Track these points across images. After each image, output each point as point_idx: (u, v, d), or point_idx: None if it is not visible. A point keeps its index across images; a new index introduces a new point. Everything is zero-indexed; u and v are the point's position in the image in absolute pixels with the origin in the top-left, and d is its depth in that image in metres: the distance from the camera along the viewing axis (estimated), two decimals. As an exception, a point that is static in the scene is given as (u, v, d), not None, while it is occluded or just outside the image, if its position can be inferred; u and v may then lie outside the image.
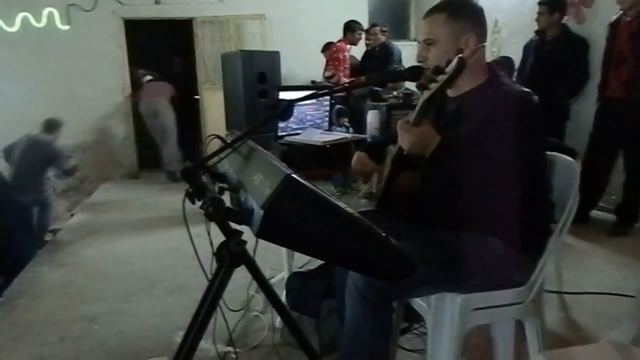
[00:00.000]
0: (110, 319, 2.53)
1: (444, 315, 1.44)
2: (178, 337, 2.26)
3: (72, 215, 5.10)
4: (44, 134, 4.88)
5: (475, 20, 1.50)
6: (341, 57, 5.39)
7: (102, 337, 2.35)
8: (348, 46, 5.49)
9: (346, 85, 4.40)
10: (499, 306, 1.49)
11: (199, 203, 1.47)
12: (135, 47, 6.44)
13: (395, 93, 3.62)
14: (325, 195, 1.07)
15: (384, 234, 1.12)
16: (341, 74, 5.34)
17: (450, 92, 1.56)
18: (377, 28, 5.54)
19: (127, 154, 6.49)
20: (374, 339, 1.48)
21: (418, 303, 1.54)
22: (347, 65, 5.46)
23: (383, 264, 1.12)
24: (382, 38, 5.51)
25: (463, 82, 1.49)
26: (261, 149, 1.50)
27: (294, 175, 1.03)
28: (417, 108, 1.44)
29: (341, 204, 1.09)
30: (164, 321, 2.48)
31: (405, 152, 1.46)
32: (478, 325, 1.57)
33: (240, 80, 4.31)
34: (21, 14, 5.93)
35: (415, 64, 1.53)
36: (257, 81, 4.31)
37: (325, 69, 5.53)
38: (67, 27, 6.12)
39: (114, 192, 5.72)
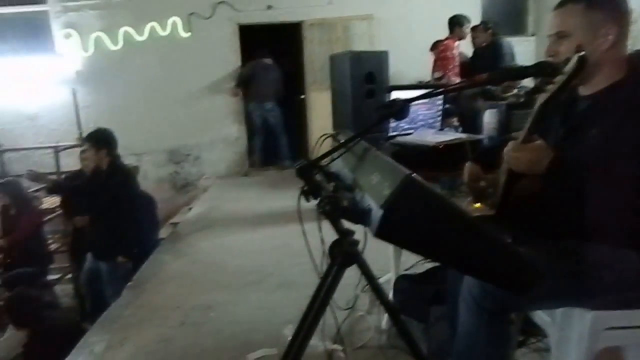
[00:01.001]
0: (225, 308, 2.68)
1: (571, 332, 1.33)
2: (287, 331, 2.33)
3: (190, 209, 5.48)
4: None
5: (617, 9, 1.36)
6: (449, 56, 5.21)
7: (218, 325, 2.50)
8: (456, 43, 5.29)
9: (464, 83, 4.25)
10: (636, 327, 1.34)
11: (306, 201, 1.51)
12: (245, 51, 6.76)
13: (515, 91, 3.40)
14: (447, 198, 1.04)
15: (508, 241, 1.06)
16: (450, 73, 5.16)
17: (583, 90, 1.44)
18: (481, 27, 5.30)
19: (239, 152, 6.85)
20: (490, 351, 1.41)
21: (540, 316, 1.44)
22: (456, 63, 5.26)
23: (508, 272, 1.06)
24: (488, 36, 5.24)
25: (598, 79, 1.37)
26: (375, 149, 1.49)
27: (414, 176, 1.01)
28: (531, 117, 1.33)
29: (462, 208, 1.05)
30: (274, 314, 2.57)
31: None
32: (609, 346, 1.43)
33: (348, 81, 4.34)
34: (149, 24, 6.51)
35: (538, 60, 1.42)
36: (365, 81, 4.31)
37: (434, 70, 5.38)
38: (188, 35, 6.60)
39: (226, 188, 6.06)
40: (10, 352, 3.18)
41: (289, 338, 2.29)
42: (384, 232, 1.01)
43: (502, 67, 4.54)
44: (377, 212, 1.03)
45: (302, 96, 6.94)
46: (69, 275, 5.44)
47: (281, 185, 5.76)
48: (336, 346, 2.10)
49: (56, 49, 6.42)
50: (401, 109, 1.44)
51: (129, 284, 3.17)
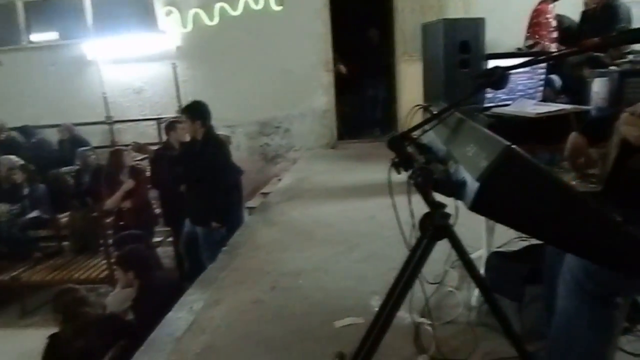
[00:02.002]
0: (314, 276, 2.76)
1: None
2: (374, 301, 2.36)
3: (279, 180, 5.65)
4: None
5: None
6: (542, 21, 4.80)
7: (306, 292, 2.58)
8: (551, 6, 4.86)
9: (571, 50, 3.92)
10: None
11: (397, 173, 1.49)
12: (334, 22, 6.71)
13: (631, 57, 3.07)
14: (550, 170, 0.97)
15: (619, 220, 0.98)
16: (545, 40, 4.77)
17: None
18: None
19: (327, 125, 6.91)
20: (591, 336, 1.33)
21: (652, 302, 1.32)
22: (552, 28, 4.84)
23: (618, 253, 0.98)
24: (601, -2, 4.74)
25: None
26: (470, 120, 1.43)
27: (514, 147, 0.96)
28: None
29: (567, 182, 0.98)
30: (361, 284, 2.61)
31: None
32: None
33: (440, 50, 4.18)
34: (243, -1, 6.69)
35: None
36: (459, 50, 4.13)
37: (526, 37, 5.01)
38: (279, 8, 6.68)
39: (315, 161, 6.16)
40: (120, 305, 3.51)
41: (376, 309, 2.32)
42: (479, 205, 0.98)
43: (618, 30, 4.12)
44: (472, 185, 1.00)
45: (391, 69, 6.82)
46: (170, 239, 5.89)
47: (368, 158, 5.74)
48: (423, 320, 2.10)
49: (159, 26, 6.80)
50: (501, 77, 1.36)
51: (224, 248, 3.36)
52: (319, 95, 6.86)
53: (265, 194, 5.25)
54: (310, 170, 5.60)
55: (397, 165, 1.44)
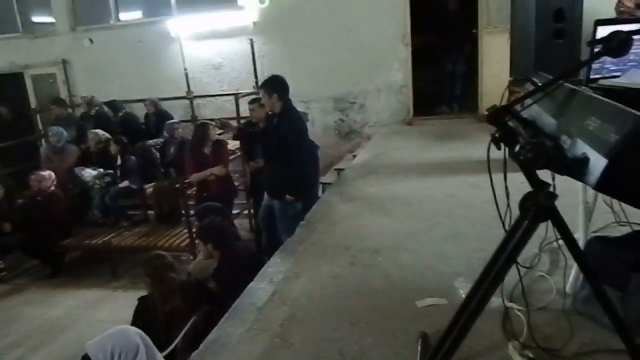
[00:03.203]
0: (393, 253, 2.71)
1: None
2: (457, 283, 2.28)
3: (354, 156, 5.61)
4: None
5: None
6: None
7: (386, 269, 2.54)
8: None
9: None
10: None
11: (497, 149, 1.39)
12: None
13: None
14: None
15: None
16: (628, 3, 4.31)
17: None
18: None
19: (403, 101, 6.74)
20: None
21: None
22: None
23: None
24: None
25: None
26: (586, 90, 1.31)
27: (649, 119, 0.85)
28: None
29: None
30: (442, 264, 2.53)
31: None
32: None
33: (532, 19, 3.88)
34: (321, -28, 6.60)
35: None
36: (553, 19, 3.82)
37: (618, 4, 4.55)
38: (356, -20, 6.54)
39: (390, 137, 6.04)
40: (202, 273, 3.66)
41: (460, 290, 2.25)
42: (608, 184, 0.88)
43: None
44: (598, 161, 0.90)
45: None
46: (245, 212, 6.07)
47: (446, 135, 5.56)
48: (513, 304, 2.00)
49: (238, 2, 6.87)
50: (623, 42, 1.22)
51: (302, 223, 3.38)
52: (396, 70, 6.68)
53: (339, 170, 5.23)
54: (386, 146, 5.51)
55: (497, 141, 1.35)
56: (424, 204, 3.46)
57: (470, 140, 5.03)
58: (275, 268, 2.74)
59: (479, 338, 1.83)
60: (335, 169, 5.50)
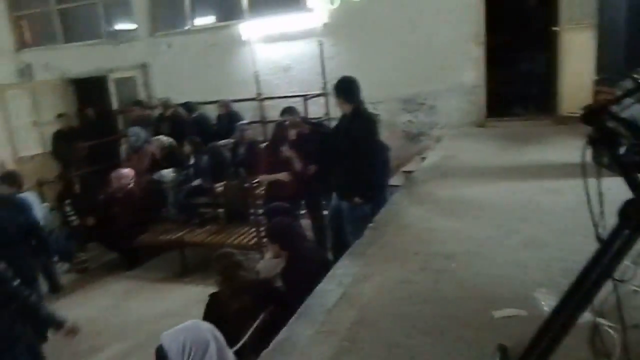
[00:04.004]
0: (467, 259, 2.60)
1: None
2: (538, 294, 2.15)
3: (423, 158, 5.48)
4: None
5: None
6: None
7: (459, 276, 2.44)
8: None
9: None
10: None
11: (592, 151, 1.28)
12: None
13: None
14: None
15: None
16: None
17: None
18: None
19: (475, 102, 6.50)
20: None
21: None
22: None
23: None
24: None
25: None
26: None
27: None
28: None
29: None
30: (520, 273, 2.39)
31: None
32: None
33: (622, 13, 3.63)
34: (390, -27, 6.52)
35: None
36: (646, 13, 3.55)
37: None
38: (428, -21, 6.40)
39: (461, 139, 5.85)
40: (269, 273, 3.70)
41: (542, 302, 2.11)
42: None
43: None
44: None
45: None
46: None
47: (522, 138, 5.30)
48: (603, 320, 1.84)
49: (307, 4, 6.94)
50: None
51: (370, 225, 3.33)
52: (468, 70, 6.46)
53: (408, 172, 5.13)
54: (457, 148, 5.33)
55: (595, 142, 1.24)
56: (498, 209, 3.30)
57: (547, 143, 4.76)
58: (344, 270, 2.71)
59: (564, 355, 1.69)
60: (404, 171, 5.40)
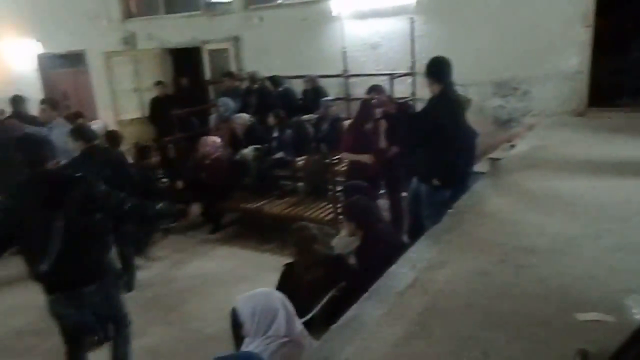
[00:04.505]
0: (551, 256, 2.47)
1: None
2: (630, 301, 1.99)
3: (512, 146, 5.21)
4: None
5: None
6: None
7: (542, 273, 2.32)
8: None
9: None
10: None
11: None
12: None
13: None
14: None
15: None
16: None
17: None
18: None
19: (576, 89, 6.04)
20: None
21: None
22: None
23: None
24: None
25: None
26: None
27: None
28: None
29: None
30: (610, 277, 2.23)
31: None
32: None
33: None
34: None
35: None
36: None
37: None
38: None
39: (557, 128, 5.48)
40: (343, 250, 3.74)
41: (633, 310, 1.96)
42: None
43: None
44: None
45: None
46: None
47: (627, 130, 4.86)
48: None
49: (402, -21, 6.75)
50: None
51: (450, 211, 3.24)
52: (571, 55, 6.00)
53: (494, 160, 4.90)
54: (551, 138, 5.01)
55: None
56: (592, 207, 3.08)
57: (658, 139, 4.35)
58: (418, 255, 2.67)
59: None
60: (490, 158, 5.17)
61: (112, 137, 5.57)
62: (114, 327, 3.21)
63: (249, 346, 2.41)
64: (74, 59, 10.66)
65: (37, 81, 11.12)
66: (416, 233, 3.62)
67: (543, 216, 3.00)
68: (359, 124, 4.91)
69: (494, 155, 5.22)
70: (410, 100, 6.33)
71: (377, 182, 4.92)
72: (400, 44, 6.86)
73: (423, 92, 4.63)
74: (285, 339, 2.42)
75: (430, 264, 2.54)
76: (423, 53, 6.11)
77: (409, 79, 6.59)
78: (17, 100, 6.49)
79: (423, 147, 4.04)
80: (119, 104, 8.88)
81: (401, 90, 6.43)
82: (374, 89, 5.07)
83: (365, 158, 4.77)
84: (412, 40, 6.61)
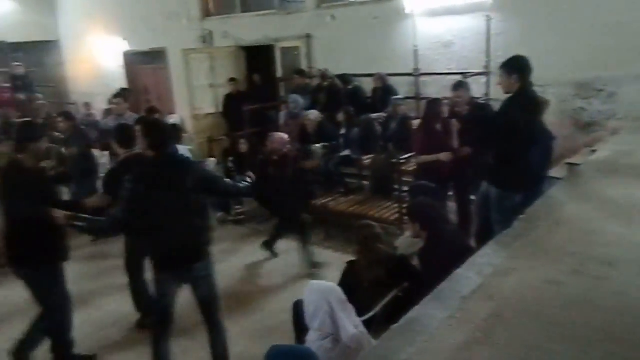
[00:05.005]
0: (631, 269, 2.31)
1: None
2: None
3: (593, 151, 4.91)
4: None
5: None
6: None
7: (620, 285, 2.18)
8: None
9: None
10: None
11: None
12: None
13: None
14: None
15: None
16: None
17: None
18: None
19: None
20: None
21: None
22: None
23: None
24: None
25: None
26: None
27: None
28: None
29: None
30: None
31: None
32: None
33: None
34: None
35: None
36: None
37: None
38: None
39: (643, 133, 5.11)
40: (407, 250, 3.71)
41: None
42: None
43: None
44: None
45: None
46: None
47: None
48: None
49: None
50: None
51: (521, 216, 3.12)
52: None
53: (572, 165, 4.64)
54: (637, 144, 4.67)
55: None
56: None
57: None
58: (485, 260, 2.59)
59: None
60: (568, 163, 4.91)
61: (175, 131, 5.86)
62: (209, 310, 3.35)
63: (307, 338, 2.46)
64: (155, 56, 11.27)
65: (122, 77, 11.85)
66: (484, 237, 3.52)
67: (624, 226, 2.80)
68: (428, 123, 4.83)
69: (572, 160, 4.95)
70: (484, 100, 6.13)
71: (446, 183, 4.82)
72: (475, 42, 6.67)
73: (497, 92, 4.48)
74: (332, 337, 2.45)
75: (497, 270, 2.45)
76: (499, 52, 5.91)
77: (482, 79, 6.39)
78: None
79: (496, 149, 3.91)
80: (195, 99, 9.29)
81: (474, 90, 6.23)
82: (460, 85, 4.93)
83: (442, 156, 4.67)
84: (488, 39, 6.41)
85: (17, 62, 10.81)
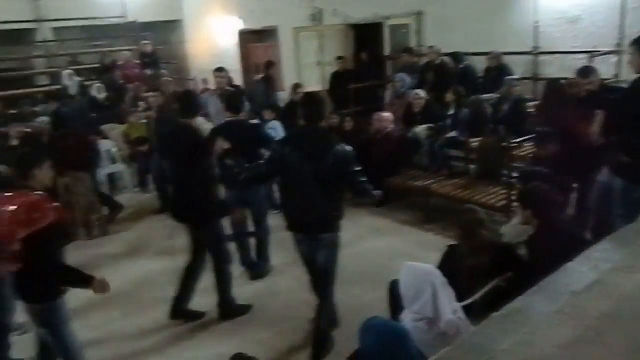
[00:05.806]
0: None
1: None
2: None
3: None
4: None
5: None
6: None
7: None
8: None
9: None
10: None
11: None
12: None
13: None
14: None
15: None
16: None
17: None
18: None
19: None
20: None
21: None
22: None
23: None
24: None
25: None
26: None
27: None
28: None
29: None
30: None
31: None
32: None
33: None
34: None
35: None
36: None
37: None
38: None
39: None
40: (514, 238, 3.52)
41: None
42: None
43: None
44: None
45: None
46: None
47: None
48: None
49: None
50: None
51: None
52: None
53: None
54: None
55: None
56: None
57: None
58: (603, 255, 2.38)
59: None
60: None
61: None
62: (321, 281, 3.53)
63: (402, 317, 2.46)
64: (267, 35, 11.63)
65: (236, 55, 12.42)
66: (602, 231, 3.24)
67: None
68: (547, 107, 4.50)
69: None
70: (614, 82, 5.55)
71: (566, 171, 4.45)
72: (607, 17, 6.02)
73: (628, 73, 4.04)
74: (429, 320, 2.42)
75: (616, 267, 2.25)
76: (635, 27, 5.29)
77: (612, 58, 5.77)
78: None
79: (623, 135, 3.55)
80: (304, 76, 9.49)
81: (603, 70, 5.66)
82: (590, 72, 4.46)
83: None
84: (623, 13, 5.75)
85: (146, 40, 11.69)
